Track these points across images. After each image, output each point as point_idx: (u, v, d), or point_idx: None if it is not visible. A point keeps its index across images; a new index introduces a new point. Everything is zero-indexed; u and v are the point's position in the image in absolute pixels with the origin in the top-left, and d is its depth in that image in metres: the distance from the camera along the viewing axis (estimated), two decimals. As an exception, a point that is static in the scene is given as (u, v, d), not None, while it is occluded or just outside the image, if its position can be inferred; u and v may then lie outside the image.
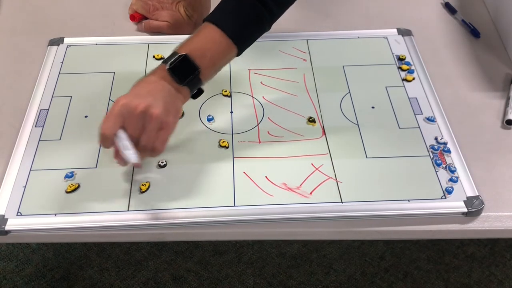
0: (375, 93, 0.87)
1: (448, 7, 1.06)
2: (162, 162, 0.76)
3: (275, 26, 0.84)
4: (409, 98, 0.86)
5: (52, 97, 0.86)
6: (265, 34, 0.94)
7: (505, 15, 0.98)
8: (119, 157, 0.69)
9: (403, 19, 1.03)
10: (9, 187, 0.73)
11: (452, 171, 0.75)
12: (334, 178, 0.75)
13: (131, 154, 0.66)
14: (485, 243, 1.46)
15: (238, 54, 0.75)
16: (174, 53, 0.71)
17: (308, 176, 0.75)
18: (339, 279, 1.38)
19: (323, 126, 0.82)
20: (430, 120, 0.83)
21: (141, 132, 0.67)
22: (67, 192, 0.72)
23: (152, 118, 0.66)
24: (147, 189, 0.73)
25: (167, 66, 0.70)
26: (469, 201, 0.72)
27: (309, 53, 0.94)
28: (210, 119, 0.83)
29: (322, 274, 1.39)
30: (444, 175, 0.75)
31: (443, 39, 0.99)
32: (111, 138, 0.66)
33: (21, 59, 0.94)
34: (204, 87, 0.87)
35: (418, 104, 0.85)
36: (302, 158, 0.77)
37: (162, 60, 0.72)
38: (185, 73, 0.70)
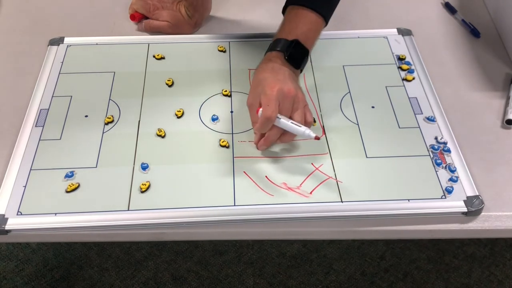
0: (375, 92, 0.87)
1: (448, 7, 1.06)
2: None
3: (274, 25, 0.84)
4: (409, 98, 0.86)
5: (52, 96, 0.86)
6: (265, 34, 0.95)
7: (505, 15, 0.98)
8: (266, 140, 0.75)
9: (403, 19, 1.03)
10: (9, 187, 0.73)
11: (452, 171, 0.75)
12: (334, 178, 0.75)
13: (308, 130, 0.72)
14: (485, 243, 1.46)
15: (325, 26, 0.85)
16: (283, 40, 0.79)
17: (308, 176, 0.75)
18: (339, 279, 1.38)
19: (323, 126, 0.82)
20: (430, 120, 0.83)
21: (289, 113, 0.74)
22: (67, 192, 0.72)
23: (300, 100, 0.75)
24: (147, 189, 0.73)
25: (286, 56, 0.78)
26: (469, 201, 0.72)
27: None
28: (215, 118, 0.82)
29: (322, 274, 1.39)
30: (444, 174, 0.75)
31: (443, 39, 0.99)
32: (274, 120, 0.72)
33: (21, 59, 0.94)
34: (204, 87, 0.88)
35: (418, 104, 0.85)
36: (302, 158, 0.77)
37: (270, 45, 0.81)
38: (299, 58, 0.80)
